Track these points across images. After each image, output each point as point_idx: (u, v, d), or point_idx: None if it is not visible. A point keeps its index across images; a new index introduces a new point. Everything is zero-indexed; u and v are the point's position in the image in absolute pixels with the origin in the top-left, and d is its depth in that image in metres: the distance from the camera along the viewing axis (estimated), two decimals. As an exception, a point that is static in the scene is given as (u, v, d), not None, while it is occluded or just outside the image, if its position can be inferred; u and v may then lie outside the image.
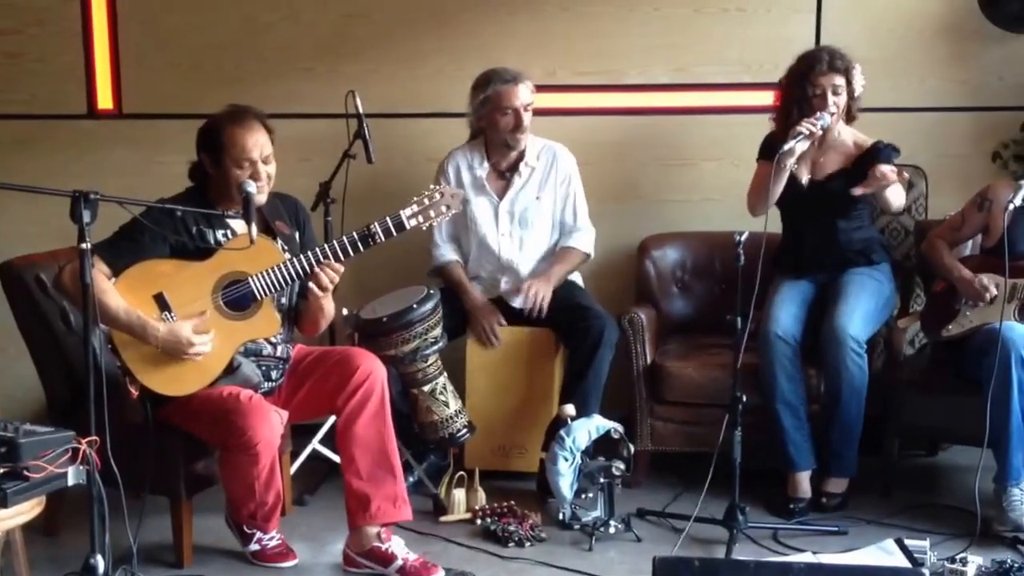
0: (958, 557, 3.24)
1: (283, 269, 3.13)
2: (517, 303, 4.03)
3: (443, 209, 3.20)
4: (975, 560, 3.22)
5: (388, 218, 3.15)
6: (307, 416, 3.48)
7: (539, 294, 3.93)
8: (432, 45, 4.44)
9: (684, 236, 4.37)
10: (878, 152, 3.74)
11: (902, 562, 3.24)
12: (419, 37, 4.45)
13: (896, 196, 3.69)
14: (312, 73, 4.46)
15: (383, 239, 3.15)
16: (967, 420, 3.53)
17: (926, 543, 3.32)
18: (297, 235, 3.38)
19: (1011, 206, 3.25)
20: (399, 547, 3.24)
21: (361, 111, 3.90)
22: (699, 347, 4.04)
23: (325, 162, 4.03)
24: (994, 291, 3.59)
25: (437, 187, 3.24)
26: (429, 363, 3.65)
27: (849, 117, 3.84)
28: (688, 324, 4.29)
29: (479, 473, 3.79)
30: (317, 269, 3.13)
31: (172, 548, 3.34)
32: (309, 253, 3.15)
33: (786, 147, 3.56)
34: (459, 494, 3.71)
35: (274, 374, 3.31)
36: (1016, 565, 3.19)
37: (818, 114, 3.65)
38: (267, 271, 3.12)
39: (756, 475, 3.58)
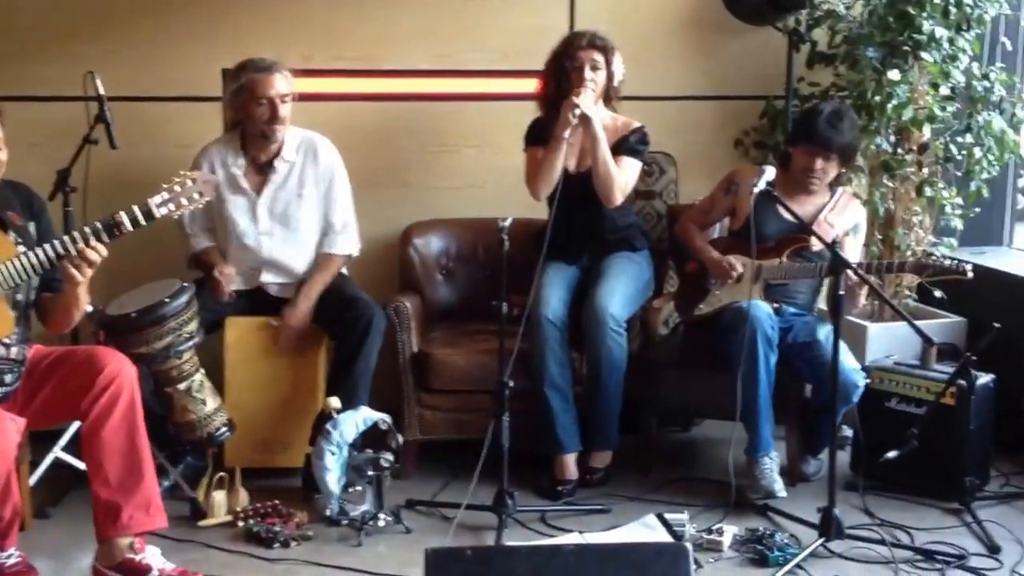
0: (714, 528, 3.39)
1: (17, 263, 2.89)
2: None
3: (195, 196, 3.04)
4: (730, 529, 3.38)
5: (135, 206, 2.97)
6: (48, 422, 3.26)
7: (297, 328, 3.83)
8: (181, 27, 4.23)
9: (447, 223, 4.37)
10: (625, 140, 3.86)
11: (664, 536, 3.35)
12: (167, 19, 4.23)
13: (608, 180, 3.79)
14: (46, 54, 4.15)
15: (131, 229, 2.96)
16: (720, 395, 3.68)
17: (685, 516, 3.46)
18: (32, 226, 3.14)
19: (756, 190, 3.41)
20: (155, 557, 3.08)
21: (102, 93, 3.66)
22: (465, 334, 4.04)
23: (62, 148, 3.75)
24: (740, 269, 3.78)
25: (189, 173, 3.07)
26: (184, 359, 3.51)
27: (607, 99, 3.93)
28: (453, 311, 4.28)
29: (240, 472, 3.65)
30: (74, 252, 2.90)
31: None
32: (47, 245, 2.91)
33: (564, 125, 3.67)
34: (219, 496, 3.55)
35: (8, 378, 3.06)
36: (768, 532, 3.36)
37: (576, 91, 3.72)
38: (-3, 266, 2.87)
39: (522, 459, 3.61)
